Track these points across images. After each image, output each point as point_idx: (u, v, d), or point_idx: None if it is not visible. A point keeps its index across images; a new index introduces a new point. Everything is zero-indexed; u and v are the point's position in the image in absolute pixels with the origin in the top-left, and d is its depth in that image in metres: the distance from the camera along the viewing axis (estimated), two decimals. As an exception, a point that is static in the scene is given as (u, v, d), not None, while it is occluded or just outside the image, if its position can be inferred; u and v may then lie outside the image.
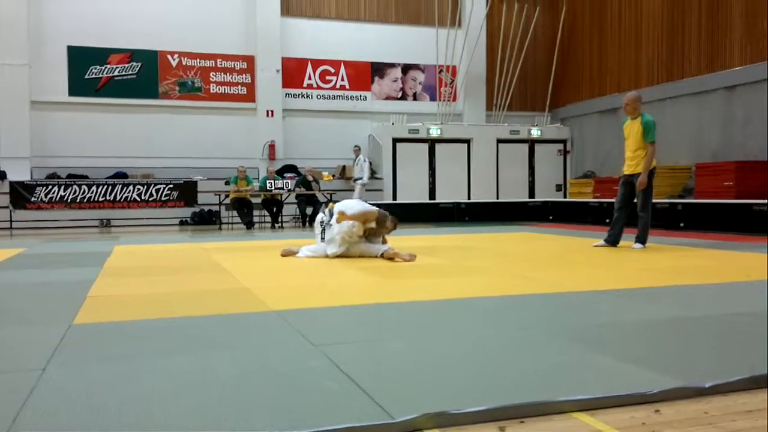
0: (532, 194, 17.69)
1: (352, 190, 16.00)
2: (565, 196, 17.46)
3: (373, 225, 6.66)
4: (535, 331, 3.10)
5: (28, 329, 3.31)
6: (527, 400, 2.00)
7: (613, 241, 7.60)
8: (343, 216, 6.57)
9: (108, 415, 1.92)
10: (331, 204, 7.07)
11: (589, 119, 17.43)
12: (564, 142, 18.11)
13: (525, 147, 17.81)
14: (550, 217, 15.74)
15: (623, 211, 7.62)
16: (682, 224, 11.60)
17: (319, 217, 7.03)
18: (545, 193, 17.57)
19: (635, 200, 7.54)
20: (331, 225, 6.65)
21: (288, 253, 6.87)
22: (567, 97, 18.32)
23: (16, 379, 2.32)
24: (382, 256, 6.40)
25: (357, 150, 15.82)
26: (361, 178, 15.44)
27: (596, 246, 7.63)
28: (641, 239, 7.40)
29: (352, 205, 6.83)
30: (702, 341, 2.89)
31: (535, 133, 17.73)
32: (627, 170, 7.59)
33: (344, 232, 6.48)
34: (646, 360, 2.49)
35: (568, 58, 18.21)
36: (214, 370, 2.42)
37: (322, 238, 6.75)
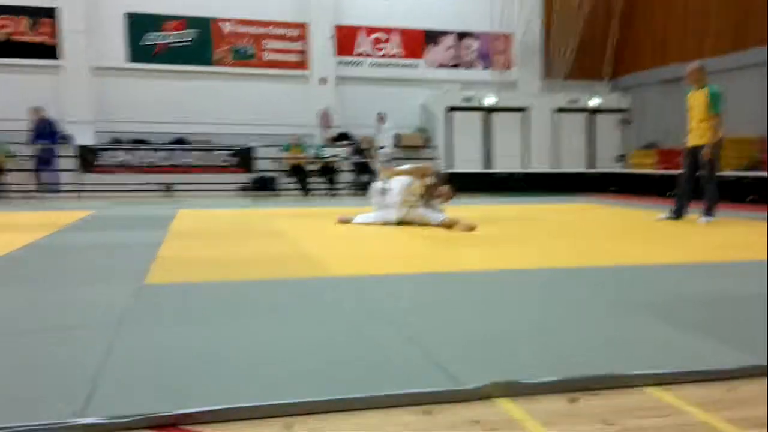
0: (591, 165, 17.29)
1: (407, 159, 15.92)
2: (625, 167, 17.01)
3: (429, 181, 6.63)
4: (602, 303, 3.05)
5: (102, 287, 3.43)
6: (599, 372, 1.98)
7: (678, 215, 7.38)
8: (396, 172, 6.52)
9: (181, 374, 1.98)
10: (384, 171, 7.10)
11: (651, 88, 16.84)
12: (625, 111, 17.58)
13: (584, 116, 17.36)
14: (611, 189, 15.39)
15: (688, 184, 7.39)
16: (750, 197, 11.18)
17: (377, 184, 7.05)
18: (606, 164, 17.14)
19: (700, 172, 7.30)
20: (390, 189, 6.67)
21: (344, 221, 6.91)
22: (628, 66, 17.71)
23: (95, 334, 2.42)
24: (441, 224, 6.37)
25: (380, 117, 14.96)
26: (383, 147, 14.57)
27: (660, 218, 7.43)
28: (709, 212, 7.18)
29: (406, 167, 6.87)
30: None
31: (595, 102, 17.25)
32: (692, 141, 7.34)
33: (404, 191, 6.47)
34: (720, 335, 2.43)
35: (629, 26, 17.55)
36: (281, 335, 2.46)
37: (378, 204, 6.81)
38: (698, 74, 7.24)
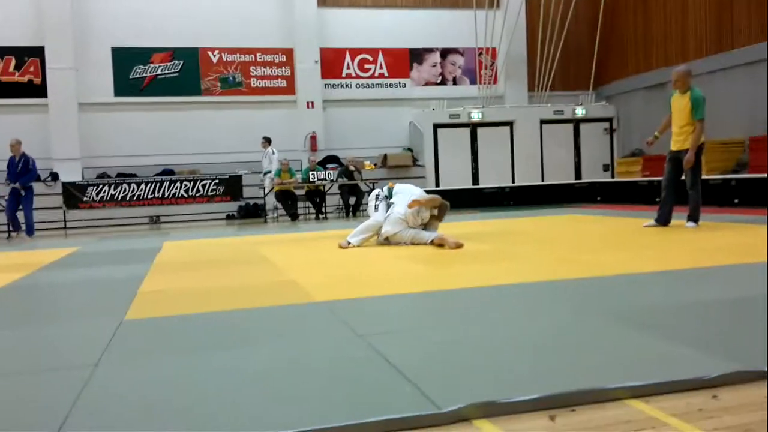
0: (578, 175, 17.35)
1: (395, 179, 15.94)
2: (612, 176, 17.07)
3: (435, 212, 6.75)
4: (584, 315, 3.02)
5: (81, 325, 3.39)
6: (578, 388, 1.95)
7: (663, 221, 7.37)
8: (416, 203, 6.60)
9: (159, 413, 1.94)
10: (390, 183, 7.17)
11: (635, 95, 16.97)
12: (610, 120, 17.68)
13: (570, 127, 17.44)
14: (598, 198, 15.42)
15: (671, 189, 7.38)
16: (736, 200, 11.21)
17: (376, 191, 7.06)
18: (592, 174, 17.20)
19: (683, 177, 7.31)
20: (392, 203, 6.73)
21: (346, 246, 6.74)
22: (611, 74, 17.87)
23: (69, 375, 2.37)
24: (432, 242, 6.37)
25: (265, 141, 14.64)
26: (269, 171, 14.33)
27: (646, 226, 7.42)
28: (693, 218, 7.17)
29: (410, 188, 6.95)
30: (760, 323, 2.77)
31: (580, 112, 17.35)
32: (674, 146, 7.35)
33: (410, 214, 6.56)
34: (701, 343, 2.40)
35: (611, 34, 17.73)
36: (262, 363, 2.43)
37: (376, 209, 6.86)
38: (685, 78, 7.23)
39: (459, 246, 6.11)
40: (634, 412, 1.83)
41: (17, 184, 11.60)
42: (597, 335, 2.63)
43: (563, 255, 5.42)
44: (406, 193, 6.85)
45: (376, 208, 6.92)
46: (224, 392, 2.09)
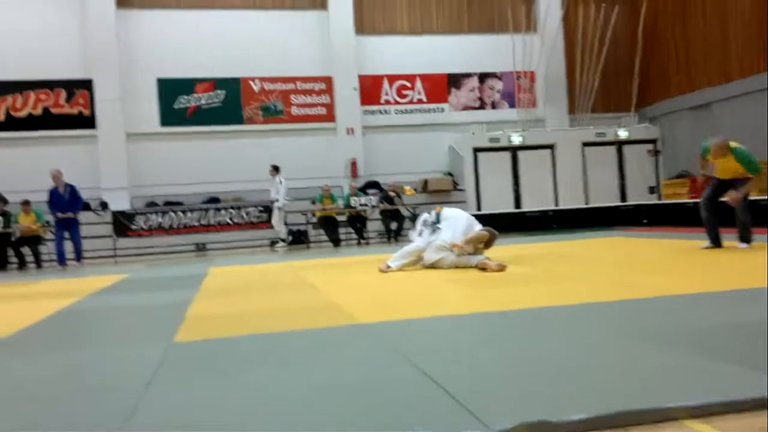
0: (623, 198, 17.06)
1: (436, 204, 15.93)
2: (659, 198, 16.74)
3: (481, 245, 6.69)
4: (635, 336, 2.95)
5: (133, 347, 3.46)
6: (633, 407, 1.90)
7: (716, 243, 7.16)
8: (463, 245, 6.55)
9: (207, 429, 1.96)
10: (438, 208, 7.14)
11: (679, 116, 16.69)
12: (654, 141, 17.40)
13: (613, 149, 17.22)
14: (645, 221, 15.10)
15: (709, 211, 7.19)
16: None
17: (424, 215, 7.04)
18: (638, 196, 16.89)
19: (721, 198, 7.13)
20: (439, 228, 6.70)
21: (386, 269, 6.75)
22: (654, 96, 17.63)
23: (123, 395, 2.42)
24: (476, 266, 6.33)
25: (273, 169, 14.41)
26: (277, 200, 14.21)
27: (704, 248, 7.19)
28: (745, 238, 6.97)
29: (458, 214, 6.93)
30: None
31: (623, 134, 17.13)
32: (723, 176, 7.15)
33: (455, 247, 6.53)
34: (759, 364, 2.32)
35: (652, 55, 17.54)
36: (307, 383, 2.44)
37: (420, 234, 6.85)
38: (723, 149, 6.98)
39: (501, 269, 6.05)
40: (692, 433, 1.77)
41: (70, 213, 11.84)
42: (648, 356, 2.57)
43: (610, 277, 5.32)
44: (454, 219, 6.80)
45: (420, 233, 6.90)
46: (270, 412, 2.10)
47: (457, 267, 6.50)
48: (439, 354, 2.82)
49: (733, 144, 7.02)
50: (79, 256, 12.05)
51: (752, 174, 6.94)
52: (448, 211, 7.00)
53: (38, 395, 2.56)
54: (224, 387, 2.46)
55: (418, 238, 6.89)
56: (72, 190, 12.02)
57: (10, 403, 2.48)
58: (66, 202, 11.91)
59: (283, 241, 14.09)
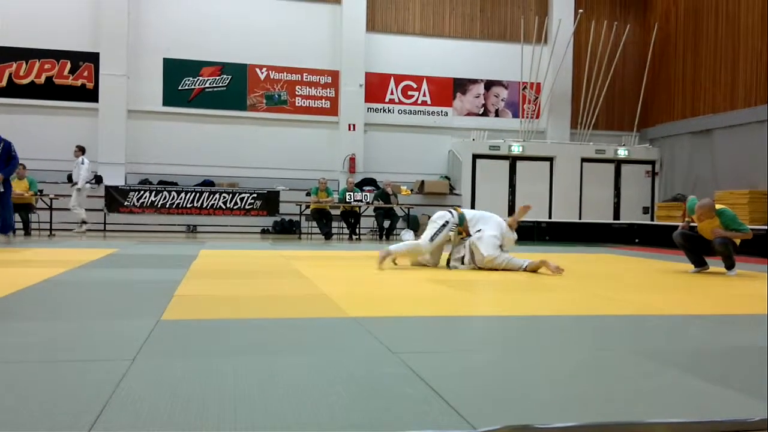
0: (617, 216, 17.13)
1: (431, 206, 15.97)
2: (652, 219, 16.82)
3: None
4: (621, 351, 2.97)
5: (120, 322, 3.44)
6: (617, 419, 1.91)
7: (700, 266, 7.23)
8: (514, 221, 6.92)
9: (189, 409, 1.95)
10: (458, 208, 7.20)
11: (680, 140, 16.76)
12: (653, 163, 17.48)
13: (611, 167, 17.30)
14: (636, 240, 15.18)
15: (685, 241, 7.31)
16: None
17: (445, 215, 6.95)
18: (631, 216, 16.97)
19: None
20: (480, 230, 6.80)
21: (385, 255, 6.67)
22: (657, 117, 17.70)
23: (109, 367, 2.42)
24: (525, 269, 6.62)
25: (77, 151, 13.45)
26: (77, 183, 13.25)
27: (693, 272, 7.23)
28: (730, 266, 7.02)
29: (487, 213, 7.08)
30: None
31: (622, 153, 17.20)
32: (705, 235, 7.14)
33: (506, 237, 6.80)
34: (743, 386, 2.33)
35: (659, 77, 17.61)
36: (292, 372, 2.43)
37: (437, 233, 6.84)
38: (709, 212, 6.95)
39: (561, 271, 6.35)
40: (674, 450, 1.78)
41: None
42: (633, 371, 2.58)
43: (600, 292, 5.34)
44: (488, 217, 6.95)
45: (437, 233, 6.81)
46: (254, 395, 2.10)
47: (505, 269, 6.59)
48: (429, 354, 2.83)
49: (719, 206, 7.02)
50: (6, 227, 10.20)
51: (741, 233, 6.94)
52: (471, 212, 7.11)
53: (21, 361, 2.55)
54: (210, 367, 2.45)
55: (428, 236, 6.81)
56: (5, 147, 10.11)
57: (-6, 365, 2.47)
58: None
59: (84, 223, 13.30)
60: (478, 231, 6.77)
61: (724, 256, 7.00)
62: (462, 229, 6.88)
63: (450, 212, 7.01)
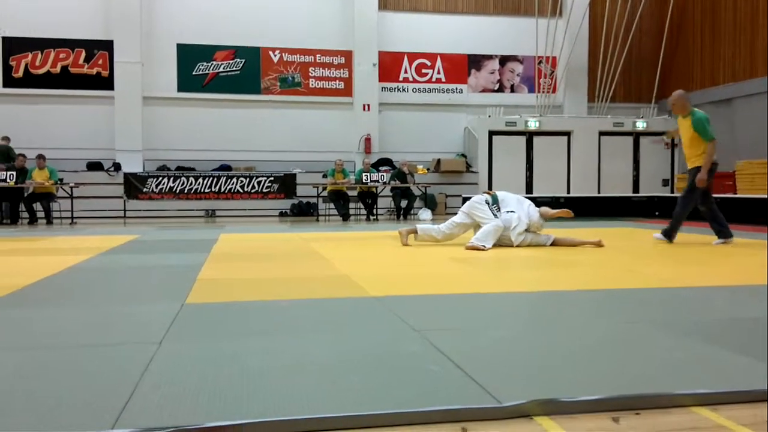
0: (636, 189, 16.96)
1: (448, 184, 15.91)
2: (672, 191, 16.63)
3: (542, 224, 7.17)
4: (646, 324, 2.95)
5: (146, 307, 3.49)
6: (643, 392, 1.91)
7: (725, 237, 7.15)
8: (551, 216, 7.16)
9: (217, 391, 1.98)
10: (490, 191, 7.40)
11: (699, 110, 16.47)
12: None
13: (629, 140, 17.08)
14: (656, 213, 15.03)
15: (684, 210, 7.35)
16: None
17: (485, 198, 7.04)
18: (651, 188, 16.79)
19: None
20: (512, 211, 6.87)
21: (482, 248, 6.57)
22: (675, 88, 17.28)
23: (137, 349, 2.46)
24: (552, 244, 6.88)
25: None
26: None
27: (716, 243, 7.17)
28: (721, 234, 7.04)
29: (513, 195, 7.21)
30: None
31: (641, 125, 16.97)
32: (689, 165, 7.23)
33: (536, 223, 6.92)
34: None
35: (677, 47, 17.30)
36: (316, 351, 2.45)
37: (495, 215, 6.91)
38: (681, 102, 7.05)
39: (600, 244, 6.75)
40: (701, 419, 1.78)
41: None
42: (660, 344, 2.57)
43: (622, 265, 5.31)
44: (516, 199, 7.10)
45: (495, 215, 6.89)
46: (281, 376, 2.12)
47: (530, 245, 6.83)
48: (452, 331, 2.83)
49: (698, 111, 7.08)
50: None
51: (704, 139, 6.93)
52: (503, 193, 7.22)
53: (54, 346, 2.60)
54: (235, 348, 2.48)
55: (493, 218, 6.82)
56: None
57: (27, 351, 2.52)
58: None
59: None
60: (511, 212, 6.82)
61: (709, 219, 7.05)
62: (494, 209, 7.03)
63: (488, 197, 7.09)
